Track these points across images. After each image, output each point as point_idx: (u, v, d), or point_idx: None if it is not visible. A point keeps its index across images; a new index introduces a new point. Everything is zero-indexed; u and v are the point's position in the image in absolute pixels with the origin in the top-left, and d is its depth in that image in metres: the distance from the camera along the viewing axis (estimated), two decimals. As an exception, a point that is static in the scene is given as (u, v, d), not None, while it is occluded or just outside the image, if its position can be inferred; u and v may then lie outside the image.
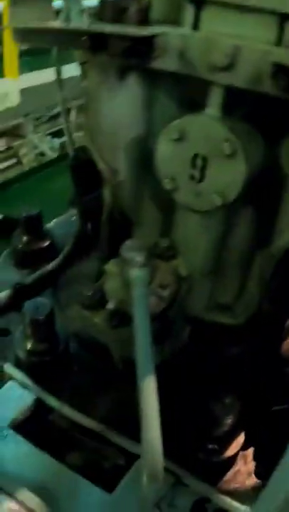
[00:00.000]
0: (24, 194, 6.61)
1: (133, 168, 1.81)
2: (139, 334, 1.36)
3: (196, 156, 1.57)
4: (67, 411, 1.70)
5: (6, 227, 2.78)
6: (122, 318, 1.58)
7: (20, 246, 2.34)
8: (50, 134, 8.35)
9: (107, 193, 1.95)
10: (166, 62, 1.51)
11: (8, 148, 7.78)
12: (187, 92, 1.62)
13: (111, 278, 1.61)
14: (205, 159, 1.56)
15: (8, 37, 5.90)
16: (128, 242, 1.52)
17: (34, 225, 2.35)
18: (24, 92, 6.51)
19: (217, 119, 1.51)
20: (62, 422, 1.72)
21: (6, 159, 7.63)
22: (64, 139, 7.85)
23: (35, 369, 1.78)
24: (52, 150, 8.08)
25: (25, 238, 2.35)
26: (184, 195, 1.64)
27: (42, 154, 8.08)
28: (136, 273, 1.45)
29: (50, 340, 1.78)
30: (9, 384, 1.77)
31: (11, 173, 7.46)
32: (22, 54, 6.28)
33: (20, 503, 1.44)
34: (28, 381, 1.75)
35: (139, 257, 1.46)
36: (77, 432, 1.70)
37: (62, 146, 7.98)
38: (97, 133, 1.81)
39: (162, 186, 1.66)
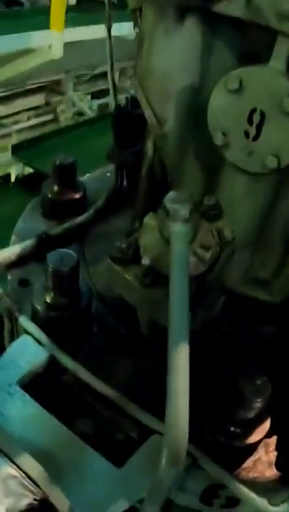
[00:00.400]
0: (58, 151, 6.55)
1: (182, 119, 1.68)
2: (175, 296, 1.24)
3: (253, 111, 1.45)
4: (83, 374, 1.59)
5: (36, 182, 2.71)
6: (156, 277, 1.46)
7: (50, 195, 2.22)
8: (89, 94, 8.34)
9: (149, 145, 1.84)
10: (230, 7, 1.39)
11: (47, 104, 7.76)
12: (250, 42, 1.49)
13: (148, 232, 1.48)
14: (263, 115, 1.44)
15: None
16: (172, 193, 1.39)
17: (67, 175, 2.22)
18: (67, 46, 6.42)
19: (281, 73, 1.39)
20: (76, 385, 1.62)
21: (42, 114, 7.62)
22: (103, 100, 7.90)
23: (52, 324, 1.67)
24: (90, 110, 8.04)
25: (56, 187, 2.21)
26: (234, 153, 1.52)
27: (79, 114, 8.06)
28: (178, 227, 1.33)
29: (72, 295, 1.67)
30: (23, 338, 1.67)
31: (47, 129, 7.44)
32: (68, 10, 6.21)
33: (21, 470, 1.35)
34: (43, 337, 1.65)
35: (183, 210, 1.33)
36: (91, 399, 1.60)
37: (101, 107, 7.98)
38: (147, 77, 1.68)
39: (211, 141, 1.54)
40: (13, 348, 1.64)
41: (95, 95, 8.34)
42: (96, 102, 8.18)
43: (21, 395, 1.52)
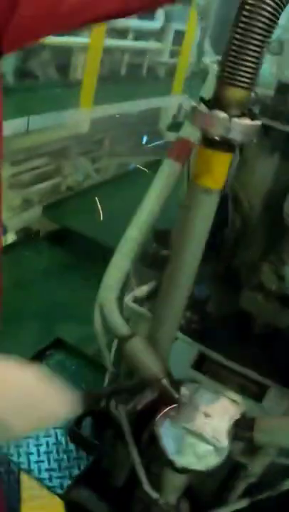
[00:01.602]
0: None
1: (265, 209, 2.35)
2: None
3: None
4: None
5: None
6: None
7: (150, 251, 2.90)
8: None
9: (237, 218, 2.47)
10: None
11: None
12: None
13: None
14: None
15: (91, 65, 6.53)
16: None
17: (164, 238, 2.92)
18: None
19: None
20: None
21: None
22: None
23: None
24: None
25: (154, 245, 2.93)
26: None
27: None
28: None
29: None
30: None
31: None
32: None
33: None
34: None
35: None
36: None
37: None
38: (247, 183, 2.38)
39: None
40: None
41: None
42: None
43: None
